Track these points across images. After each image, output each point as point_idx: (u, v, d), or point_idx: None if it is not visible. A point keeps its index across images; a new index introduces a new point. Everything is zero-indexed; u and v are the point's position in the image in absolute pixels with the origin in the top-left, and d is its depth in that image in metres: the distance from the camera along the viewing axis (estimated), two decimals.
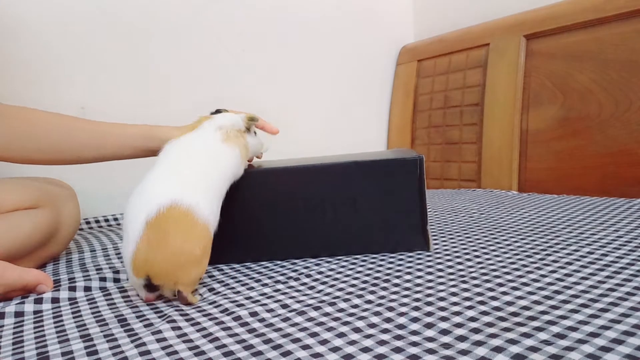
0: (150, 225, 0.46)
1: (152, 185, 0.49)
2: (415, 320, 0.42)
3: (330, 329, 0.41)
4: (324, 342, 0.39)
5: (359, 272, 0.57)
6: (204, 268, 0.50)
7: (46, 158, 0.66)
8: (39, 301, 0.53)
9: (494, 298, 0.45)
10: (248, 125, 0.65)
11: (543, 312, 0.41)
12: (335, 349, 0.37)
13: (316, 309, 0.46)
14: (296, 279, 0.56)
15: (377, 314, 0.44)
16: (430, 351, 0.36)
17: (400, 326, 0.41)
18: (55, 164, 0.69)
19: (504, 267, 0.55)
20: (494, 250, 0.62)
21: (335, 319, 0.43)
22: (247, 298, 0.51)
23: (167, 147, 0.57)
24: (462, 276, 0.52)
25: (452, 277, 0.52)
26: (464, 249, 0.64)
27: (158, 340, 0.41)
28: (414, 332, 0.39)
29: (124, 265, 0.54)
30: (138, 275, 0.47)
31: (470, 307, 0.43)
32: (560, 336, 0.36)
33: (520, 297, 0.45)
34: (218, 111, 0.67)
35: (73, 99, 1.04)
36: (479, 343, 0.36)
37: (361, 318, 0.43)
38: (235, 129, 0.61)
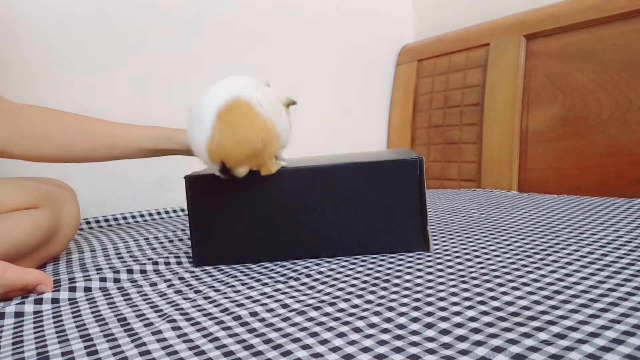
0: (220, 117, 0.52)
1: (222, 85, 0.56)
2: (415, 320, 0.42)
3: (330, 329, 0.41)
4: (324, 342, 0.39)
5: (359, 272, 0.57)
6: (266, 158, 0.57)
7: (59, 156, 0.67)
8: (39, 301, 0.53)
9: (494, 298, 0.45)
10: (287, 104, 0.63)
11: (543, 312, 0.41)
12: (335, 349, 0.37)
13: (316, 309, 0.46)
14: (296, 279, 0.56)
15: (377, 314, 0.44)
16: (430, 351, 0.36)
17: (400, 326, 0.41)
18: (67, 162, 0.70)
19: (504, 267, 0.55)
20: (494, 250, 0.62)
21: (335, 319, 0.43)
22: (247, 298, 0.51)
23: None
24: (462, 276, 0.52)
25: (452, 277, 0.52)
26: (464, 249, 0.64)
27: (158, 340, 0.41)
28: (414, 332, 0.39)
29: (196, 151, 0.56)
30: (213, 159, 0.54)
31: (470, 307, 0.43)
32: (560, 336, 0.36)
33: (520, 297, 0.45)
34: None
35: (73, 99, 1.04)
36: (479, 343, 0.36)
37: (361, 318, 0.43)
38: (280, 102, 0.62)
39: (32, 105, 0.67)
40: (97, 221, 1.01)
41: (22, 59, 0.98)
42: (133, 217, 1.05)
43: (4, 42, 0.95)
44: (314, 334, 0.40)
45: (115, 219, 1.03)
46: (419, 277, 0.53)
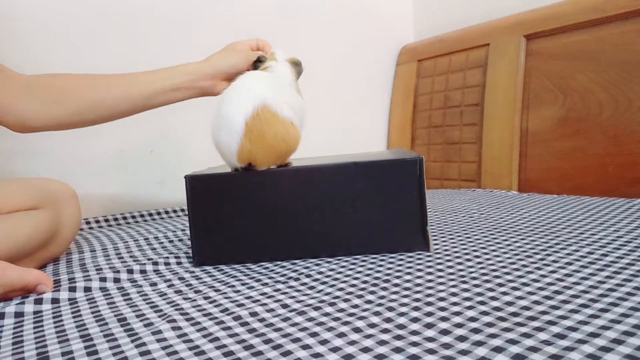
0: (249, 126, 0.58)
1: (247, 89, 0.60)
2: (415, 320, 0.42)
3: (330, 329, 0.41)
4: (324, 342, 0.39)
5: (359, 272, 0.57)
6: (287, 157, 0.64)
7: (84, 119, 0.69)
8: (39, 301, 0.53)
9: (494, 298, 0.45)
10: (297, 73, 0.77)
11: (543, 312, 0.41)
12: (335, 349, 0.37)
13: (316, 309, 0.46)
14: (296, 279, 0.56)
15: (377, 314, 0.44)
16: (430, 351, 0.36)
17: (400, 326, 0.41)
18: (92, 124, 0.71)
19: (504, 267, 0.55)
20: (494, 250, 0.62)
21: (336, 319, 0.43)
22: (247, 298, 0.51)
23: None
24: (462, 276, 0.52)
25: (452, 277, 0.52)
26: (464, 249, 0.64)
27: (158, 340, 0.41)
28: (414, 332, 0.39)
29: (224, 153, 0.61)
30: (242, 163, 0.60)
31: (470, 307, 0.43)
32: (560, 336, 0.36)
33: (520, 297, 0.45)
34: (259, 60, 0.74)
35: None
36: (479, 343, 0.36)
37: (361, 318, 0.43)
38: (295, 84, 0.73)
39: (48, 74, 0.68)
40: (97, 221, 1.01)
41: (23, 59, 0.98)
42: (133, 217, 1.05)
43: (4, 42, 0.95)
44: (314, 334, 0.40)
45: (115, 219, 1.03)
46: (419, 277, 0.53)
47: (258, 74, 0.66)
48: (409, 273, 0.55)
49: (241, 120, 0.57)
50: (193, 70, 0.73)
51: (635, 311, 0.40)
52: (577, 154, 1.09)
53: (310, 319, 0.43)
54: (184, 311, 0.48)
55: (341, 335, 0.40)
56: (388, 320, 0.42)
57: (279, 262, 0.64)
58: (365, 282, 0.53)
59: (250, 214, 0.64)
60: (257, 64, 0.74)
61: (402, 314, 0.43)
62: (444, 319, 0.41)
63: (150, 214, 1.07)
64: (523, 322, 0.39)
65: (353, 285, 0.52)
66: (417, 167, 0.62)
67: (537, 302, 0.43)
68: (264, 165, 0.62)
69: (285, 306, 0.47)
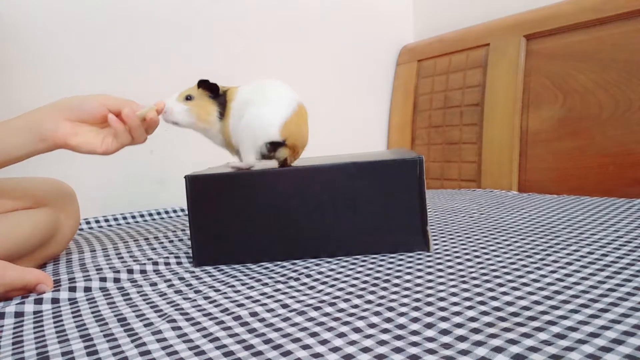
0: (296, 112, 0.63)
1: (289, 88, 0.66)
2: (415, 320, 0.42)
3: (330, 329, 0.41)
4: (324, 342, 0.39)
5: (359, 272, 0.57)
6: (300, 153, 0.67)
7: None
8: (39, 301, 0.53)
9: (494, 298, 0.45)
10: None
11: (543, 312, 0.41)
12: (335, 349, 0.37)
13: (316, 309, 0.46)
14: (296, 279, 0.56)
15: (377, 314, 0.44)
16: (430, 351, 0.36)
17: (401, 326, 0.41)
18: None
19: (504, 267, 0.55)
20: (494, 250, 0.62)
21: (336, 319, 0.43)
22: (247, 298, 0.51)
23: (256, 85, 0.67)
24: (462, 276, 0.52)
25: (452, 277, 0.52)
26: (464, 249, 0.64)
27: (158, 340, 0.41)
28: (414, 332, 0.39)
29: (259, 125, 0.63)
30: (282, 137, 0.62)
31: (470, 307, 0.43)
32: (560, 336, 0.36)
33: (520, 297, 0.45)
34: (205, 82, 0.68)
35: None
36: (479, 343, 0.36)
37: (361, 318, 0.43)
38: None
39: None
40: (97, 221, 1.01)
41: (22, 59, 0.98)
42: (133, 217, 1.05)
43: (3, 42, 0.95)
44: (314, 334, 0.40)
45: (115, 219, 1.03)
46: (419, 277, 0.53)
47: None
48: (409, 273, 0.55)
49: (296, 99, 0.64)
50: (34, 111, 0.58)
51: (635, 311, 0.40)
52: (577, 154, 1.09)
53: (310, 319, 0.43)
54: (184, 311, 0.48)
55: (341, 335, 0.40)
56: (388, 320, 0.42)
57: (279, 262, 0.64)
58: (365, 282, 0.53)
59: (251, 214, 0.64)
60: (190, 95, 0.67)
61: (402, 314, 0.43)
62: (444, 319, 0.41)
63: (150, 214, 1.07)
64: (523, 322, 0.39)
65: (353, 285, 0.52)
66: (417, 167, 0.62)
67: (537, 302, 0.43)
68: (294, 149, 0.65)
69: (285, 306, 0.47)
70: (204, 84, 0.65)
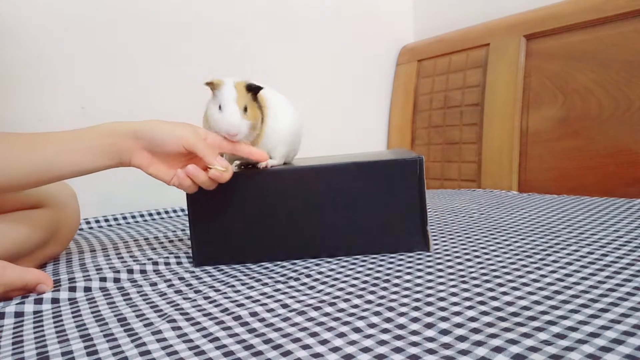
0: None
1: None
2: (415, 320, 0.42)
3: (330, 329, 0.41)
4: (324, 342, 0.39)
5: (359, 272, 0.57)
6: None
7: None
8: (39, 301, 0.53)
9: (494, 298, 0.45)
10: None
11: (543, 312, 0.41)
12: (335, 349, 0.37)
13: (316, 309, 0.46)
14: (296, 279, 0.56)
15: (377, 314, 0.44)
16: (430, 351, 0.36)
17: (400, 326, 0.41)
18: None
19: (504, 267, 0.55)
20: (494, 250, 0.62)
21: (336, 319, 0.43)
22: (247, 298, 0.51)
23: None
24: (462, 276, 0.52)
25: (452, 277, 0.52)
26: (464, 249, 0.64)
27: (158, 340, 0.41)
28: (414, 332, 0.39)
29: (297, 142, 0.71)
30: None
31: (470, 307, 0.43)
32: (560, 336, 0.36)
33: (520, 297, 0.45)
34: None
35: (73, 99, 1.04)
36: (479, 343, 0.36)
37: (361, 318, 0.43)
38: None
39: None
40: (97, 221, 1.01)
41: (22, 59, 0.98)
42: (133, 217, 1.05)
43: (3, 42, 0.95)
44: (314, 334, 0.40)
45: (115, 219, 1.03)
46: (419, 277, 0.53)
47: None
48: (409, 273, 0.55)
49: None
50: (113, 130, 0.56)
51: (635, 311, 0.40)
52: (577, 154, 1.09)
53: (310, 319, 0.43)
54: (184, 311, 0.48)
55: (341, 335, 0.40)
56: (388, 320, 0.42)
57: (279, 262, 0.64)
58: (365, 282, 0.53)
59: (251, 214, 0.64)
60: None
61: (402, 314, 0.43)
62: (444, 319, 0.41)
63: (150, 214, 1.07)
64: (523, 322, 0.39)
65: (353, 285, 0.52)
66: (417, 167, 0.62)
67: (537, 302, 0.43)
68: None
69: (285, 306, 0.47)
70: (254, 89, 0.60)
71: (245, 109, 0.59)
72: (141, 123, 0.57)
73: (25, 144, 0.54)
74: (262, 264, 0.64)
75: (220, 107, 0.59)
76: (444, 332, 0.39)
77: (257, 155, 0.62)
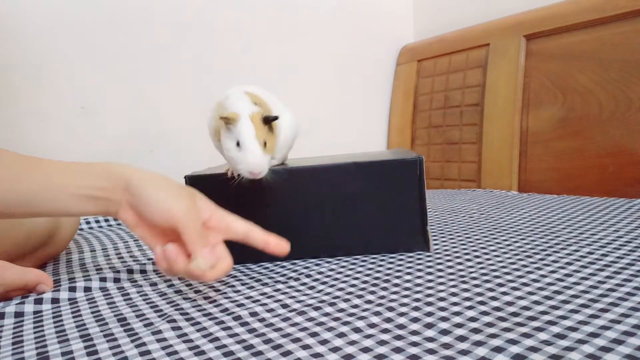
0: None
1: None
2: (415, 320, 0.42)
3: (330, 329, 0.41)
4: (324, 342, 0.39)
5: (359, 272, 0.57)
6: None
7: None
8: (39, 301, 0.53)
9: (494, 298, 0.45)
10: None
11: (543, 312, 0.41)
12: (335, 349, 0.37)
13: (316, 309, 0.46)
14: (296, 279, 0.56)
15: (377, 314, 0.44)
16: (430, 351, 0.36)
17: (400, 326, 0.41)
18: None
19: (504, 267, 0.55)
20: (494, 250, 0.62)
21: (336, 319, 0.43)
22: (247, 298, 0.51)
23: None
24: (462, 276, 0.52)
25: (452, 277, 0.52)
26: (464, 249, 0.64)
27: (158, 340, 0.41)
28: (414, 332, 0.39)
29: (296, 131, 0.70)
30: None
31: (470, 307, 0.43)
32: (560, 336, 0.36)
33: (520, 297, 0.45)
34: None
35: (73, 99, 1.04)
36: (479, 343, 0.36)
37: (361, 318, 0.43)
38: None
39: None
40: (97, 221, 1.01)
41: (22, 59, 0.98)
42: None
43: (3, 42, 0.95)
44: (314, 334, 0.40)
45: (116, 219, 1.03)
46: (419, 277, 0.53)
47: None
48: (409, 273, 0.55)
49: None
50: (110, 173, 0.48)
51: (635, 311, 0.40)
52: (577, 154, 1.09)
53: (310, 319, 0.43)
54: (184, 311, 0.48)
55: (341, 335, 0.40)
56: (388, 320, 0.42)
57: (279, 262, 0.64)
58: (365, 282, 0.53)
59: (250, 214, 0.63)
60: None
61: (402, 314, 0.43)
62: (444, 319, 0.41)
63: None
64: (523, 322, 0.39)
65: (353, 285, 0.52)
66: (417, 167, 0.62)
67: (537, 302, 0.43)
68: None
69: (285, 306, 0.47)
70: (270, 121, 0.57)
71: (265, 144, 0.55)
72: (139, 174, 0.48)
73: (16, 170, 0.46)
74: (262, 264, 0.64)
75: (238, 143, 0.55)
76: (444, 332, 0.39)
77: (275, 247, 0.52)
